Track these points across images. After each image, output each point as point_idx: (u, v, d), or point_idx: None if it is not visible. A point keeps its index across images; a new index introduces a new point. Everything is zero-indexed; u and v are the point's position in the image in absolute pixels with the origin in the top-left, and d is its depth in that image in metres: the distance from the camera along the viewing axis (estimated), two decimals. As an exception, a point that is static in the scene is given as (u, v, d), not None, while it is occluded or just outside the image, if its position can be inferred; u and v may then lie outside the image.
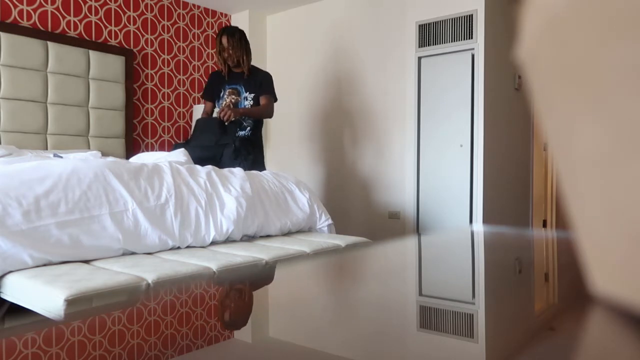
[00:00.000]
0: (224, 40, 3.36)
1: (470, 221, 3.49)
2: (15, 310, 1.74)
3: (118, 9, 4.12)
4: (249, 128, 3.39)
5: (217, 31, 4.84)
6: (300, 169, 4.55)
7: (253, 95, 3.40)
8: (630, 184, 0.20)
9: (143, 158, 3.21)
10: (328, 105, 4.45)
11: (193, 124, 4.42)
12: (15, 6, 3.58)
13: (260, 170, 3.07)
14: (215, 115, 3.39)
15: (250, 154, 3.33)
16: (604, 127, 0.21)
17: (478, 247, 0.63)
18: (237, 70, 3.45)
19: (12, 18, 3.56)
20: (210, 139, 3.31)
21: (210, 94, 3.53)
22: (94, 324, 0.27)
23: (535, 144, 4.34)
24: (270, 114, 3.43)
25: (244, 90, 3.43)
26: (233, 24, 4.94)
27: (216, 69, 3.62)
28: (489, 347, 0.26)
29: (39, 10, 3.69)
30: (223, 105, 3.37)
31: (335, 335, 0.26)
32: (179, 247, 2.26)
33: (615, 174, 0.21)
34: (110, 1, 4.07)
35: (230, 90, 3.44)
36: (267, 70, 3.73)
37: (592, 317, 0.28)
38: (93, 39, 3.97)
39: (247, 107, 3.39)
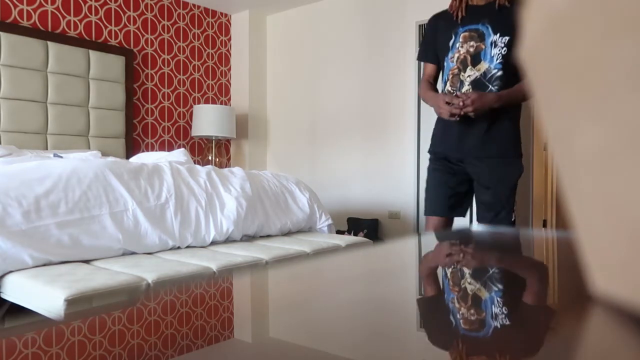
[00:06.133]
0: None
1: (471, 221, 3.49)
2: (15, 310, 1.74)
3: (118, 9, 4.12)
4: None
5: (217, 31, 4.84)
6: (300, 169, 4.55)
7: (507, 39, 2.03)
8: (631, 183, 0.20)
9: (143, 158, 3.21)
10: (328, 105, 4.45)
11: (193, 122, 4.42)
12: (15, 6, 3.58)
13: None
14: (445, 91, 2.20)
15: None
16: (604, 127, 0.21)
17: (478, 248, 0.63)
18: (480, 2, 2.11)
19: (12, 18, 3.56)
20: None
21: (432, 51, 2.25)
22: (94, 324, 0.27)
23: (535, 144, 4.34)
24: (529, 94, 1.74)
25: (490, 31, 2.06)
26: (233, 24, 4.94)
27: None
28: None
29: (39, 10, 3.69)
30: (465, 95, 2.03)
31: (335, 335, 0.26)
32: (179, 247, 2.26)
33: (615, 174, 0.21)
34: (110, 1, 4.07)
35: (465, 34, 2.10)
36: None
37: (592, 317, 0.28)
38: (93, 39, 3.97)
39: (497, 58, 2.04)
